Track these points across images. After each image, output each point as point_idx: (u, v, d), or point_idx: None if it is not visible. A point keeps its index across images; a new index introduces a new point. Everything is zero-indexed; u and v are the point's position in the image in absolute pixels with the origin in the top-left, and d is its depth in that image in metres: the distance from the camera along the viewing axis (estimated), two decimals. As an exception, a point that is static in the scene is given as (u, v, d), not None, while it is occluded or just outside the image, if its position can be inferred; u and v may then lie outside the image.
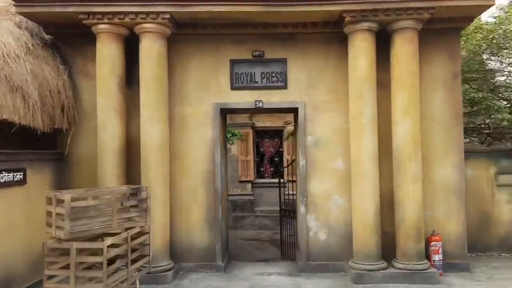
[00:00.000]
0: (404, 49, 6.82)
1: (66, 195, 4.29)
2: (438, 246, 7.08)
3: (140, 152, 6.90)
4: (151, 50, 6.85)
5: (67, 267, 4.33)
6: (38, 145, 6.75)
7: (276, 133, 14.64)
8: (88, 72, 7.41)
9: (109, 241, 4.32)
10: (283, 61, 7.42)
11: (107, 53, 6.83)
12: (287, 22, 7.17)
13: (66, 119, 6.82)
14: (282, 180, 14.20)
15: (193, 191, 7.36)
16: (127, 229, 4.80)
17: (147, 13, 6.67)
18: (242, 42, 7.41)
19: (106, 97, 6.82)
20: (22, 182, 5.99)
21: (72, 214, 4.29)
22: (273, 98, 7.40)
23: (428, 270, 6.73)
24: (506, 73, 9.53)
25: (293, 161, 10.12)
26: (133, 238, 4.82)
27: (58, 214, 4.37)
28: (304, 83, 7.41)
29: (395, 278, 6.66)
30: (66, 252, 4.30)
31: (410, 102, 6.79)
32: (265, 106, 7.37)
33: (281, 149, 14.95)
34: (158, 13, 6.68)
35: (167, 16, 6.69)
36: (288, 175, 10.86)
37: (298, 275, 7.16)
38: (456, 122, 7.37)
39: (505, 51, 9.19)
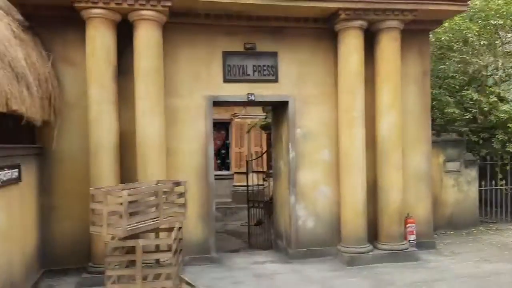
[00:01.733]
0: (389, 47, 7.28)
1: (124, 191, 3.98)
2: (412, 227, 7.77)
3: (136, 147, 6.51)
4: (149, 39, 6.44)
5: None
6: (13, 139, 5.97)
7: (223, 125, 14.61)
8: (69, 59, 6.74)
9: (173, 235, 4.11)
10: (274, 54, 7.46)
11: (102, 41, 6.28)
12: (280, 16, 7.20)
13: (53, 110, 6.15)
14: (229, 172, 14.37)
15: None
16: (170, 224, 4.60)
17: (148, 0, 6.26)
18: (235, 34, 7.29)
19: (101, 88, 6.28)
20: (18, 180, 5.33)
21: (128, 210, 4.00)
22: (264, 92, 7.42)
23: (409, 249, 7.38)
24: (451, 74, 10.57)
25: (263, 153, 10.20)
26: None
27: (110, 212, 4.04)
28: (294, 77, 7.55)
29: (383, 258, 7.20)
30: (125, 251, 4.01)
31: (395, 96, 7.30)
32: (257, 99, 7.37)
33: (227, 141, 14.98)
34: (159, 0, 6.29)
35: (169, 3, 6.33)
36: (257, 166, 10.99)
37: (291, 262, 7.37)
38: (425, 115, 8.08)
39: (452, 54, 10.24)
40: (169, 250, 4.05)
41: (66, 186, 6.69)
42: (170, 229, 4.76)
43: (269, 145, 13.81)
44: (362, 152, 7.23)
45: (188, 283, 4.48)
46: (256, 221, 9.98)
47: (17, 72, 4.71)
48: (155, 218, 4.44)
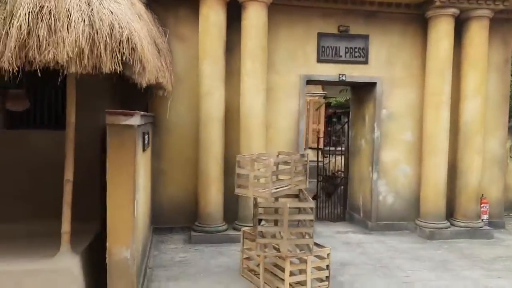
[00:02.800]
0: (479, 35, 7.42)
1: (271, 160, 4.43)
2: (486, 207, 8.05)
3: (240, 121, 6.93)
4: (258, 19, 6.78)
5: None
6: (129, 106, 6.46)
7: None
8: (180, 34, 7.15)
9: (311, 200, 4.57)
10: (366, 37, 7.69)
11: (215, 19, 6.67)
12: (374, 0, 7.41)
13: (170, 82, 6.59)
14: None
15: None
16: (299, 190, 5.05)
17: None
18: (329, 16, 7.55)
19: (214, 65, 6.70)
20: (148, 145, 5.84)
21: (273, 176, 4.45)
22: (354, 72, 7.70)
23: (484, 227, 7.69)
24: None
25: (339, 130, 10.43)
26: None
27: (256, 177, 4.51)
28: (383, 59, 7.78)
29: (459, 234, 7.53)
30: (271, 211, 4.50)
31: (481, 83, 7.48)
32: (347, 79, 7.66)
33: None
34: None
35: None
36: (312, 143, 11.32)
37: (371, 233, 7.78)
38: (504, 102, 8.23)
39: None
40: (311, 212, 4.48)
41: (173, 153, 7.21)
42: (296, 195, 5.20)
43: (327, 122, 14.16)
44: (446, 135, 7.48)
45: (316, 244, 4.93)
46: (313, 195, 10.38)
47: (159, 48, 5.12)
48: (288, 184, 4.88)
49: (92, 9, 3.23)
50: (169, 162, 7.23)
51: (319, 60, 7.56)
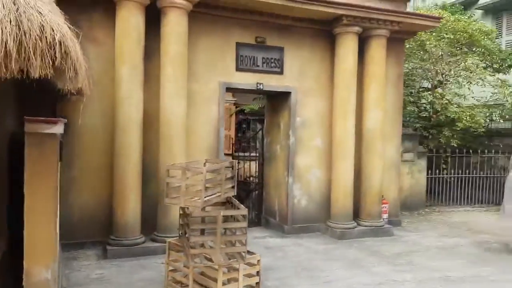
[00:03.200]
0: (378, 52, 8.20)
1: (204, 168, 4.36)
2: (386, 207, 8.87)
3: (160, 127, 6.74)
4: (178, 26, 6.68)
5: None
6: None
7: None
8: (94, 38, 6.73)
9: (244, 208, 4.57)
10: (281, 49, 8.02)
11: (134, 23, 6.41)
12: (288, 15, 7.77)
13: (88, 87, 6.13)
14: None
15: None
16: (227, 198, 5.03)
17: (182, -12, 6.47)
18: (247, 27, 7.73)
19: (133, 69, 6.42)
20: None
21: (205, 185, 4.39)
22: (271, 82, 7.97)
23: (385, 226, 8.45)
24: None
25: (253, 135, 10.66)
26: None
27: (188, 185, 4.40)
28: (297, 71, 8.18)
29: (365, 233, 8.17)
30: (202, 220, 4.40)
31: (380, 94, 8.25)
32: (265, 88, 7.90)
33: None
34: (192, -11, 6.56)
35: (201, -7, 6.62)
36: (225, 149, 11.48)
37: (288, 236, 8.07)
38: (398, 113, 9.17)
39: (413, 60, 11.56)
40: (244, 220, 4.49)
41: (85, 160, 6.72)
42: (223, 203, 5.18)
43: (237, 129, 14.40)
44: (353, 141, 8.09)
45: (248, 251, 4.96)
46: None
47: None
48: (217, 192, 4.84)
49: (18, 8, 2.89)
50: (81, 170, 6.72)
51: (238, 69, 7.68)
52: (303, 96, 8.24)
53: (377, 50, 8.18)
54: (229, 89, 7.81)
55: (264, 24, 7.81)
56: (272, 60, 7.95)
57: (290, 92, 8.12)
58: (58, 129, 3.76)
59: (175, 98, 6.69)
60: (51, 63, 2.94)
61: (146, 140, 6.84)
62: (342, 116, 8.03)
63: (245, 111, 12.78)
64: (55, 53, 2.97)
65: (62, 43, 3.03)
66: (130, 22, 6.37)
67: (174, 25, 6.65)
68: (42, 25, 2.91)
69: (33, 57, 2.85)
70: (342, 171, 8.05)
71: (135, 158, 6.52)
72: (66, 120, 4.26)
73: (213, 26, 7.48)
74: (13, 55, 2.72)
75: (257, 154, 10.05)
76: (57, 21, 3.10)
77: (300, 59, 8.18)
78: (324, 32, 8.23)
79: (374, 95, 8.22)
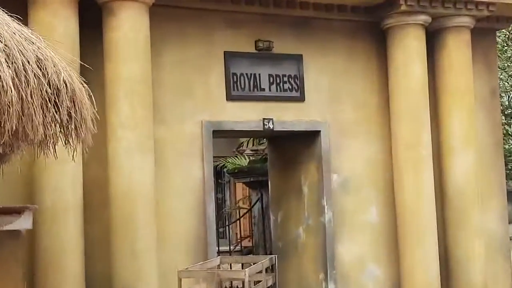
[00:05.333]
0: (460, 53, 9.35)
1: (245, 271, 5.18)
2: (494, 320, 9.79)
3: (111, 206, 7.41)
4: (136, 31, 7.52)
5: None
6: None
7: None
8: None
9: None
10: (298, 58, 9.03)
11: (63, 32, 7.19)
12: (310, 0, 8.82)
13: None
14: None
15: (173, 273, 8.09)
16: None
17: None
18: (241, 25, 8.71)
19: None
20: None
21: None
22: (286, 115, 8.89)
23: None
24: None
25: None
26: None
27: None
28: (326, 93, 9.19)
29: None
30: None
31: (470, 126, 9.34)
32: (277, 127, 8.80)
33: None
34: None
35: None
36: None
37: None
38: (497, 154, 10.31)
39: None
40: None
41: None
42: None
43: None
44: (433, 209, 9.05)
45: None
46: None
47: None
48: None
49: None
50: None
51: (230, 97, 8.57)
52: (340, 136, 9.20)
53: (458, 50, 9.34)
54: (218, 133, 8.63)
55: (268, 19, 8.84)
56: (286, 79, 8.91)
57: (319, 131, 9.07)
58: (23, 223, 4.45)
59: (136, 154, 7.41)
60: None
61: (90, 236, 7.47)
62: (411, 167, 8.99)
63: (226, 170, 13.49)
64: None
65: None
66: (58, 30, 7.13)
67: (129, 29, 7.44)
68: None
69: None
70: (418, 262, 8.90)
71: (73, 268, 7.12)
72: (35, 207, 4.92)
73: (186, 25, 8.38)
74: None
75: (253, 244, 10.84)
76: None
77: (331, 73, 9.22)
78: (367, 26, 9.37)
79: (460, 126, 9.29)
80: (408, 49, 9.09)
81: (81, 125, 4.13)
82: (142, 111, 7.51)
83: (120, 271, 7.31)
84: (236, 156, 14.47)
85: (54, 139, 4.08)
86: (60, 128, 3.99)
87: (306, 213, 9.40)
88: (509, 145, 12.76)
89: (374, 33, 9.44)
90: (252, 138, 13.01)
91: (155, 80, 8.11)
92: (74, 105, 4.02)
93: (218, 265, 6.43)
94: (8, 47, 3.73)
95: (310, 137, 9.22)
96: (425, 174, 9.03)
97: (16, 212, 4.40)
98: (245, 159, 13.67)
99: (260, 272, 5.84)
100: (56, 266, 7.08)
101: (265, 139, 13.32)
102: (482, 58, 10.21)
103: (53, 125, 3.87)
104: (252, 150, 14.90)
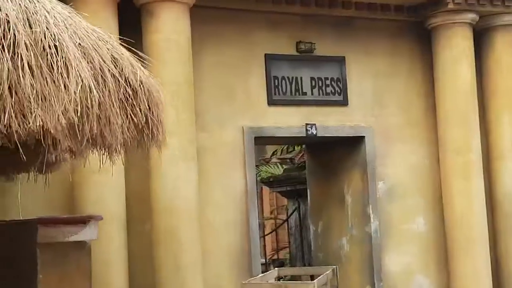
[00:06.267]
0: (508, 54, 9.14)
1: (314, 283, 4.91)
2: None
3: (155, 221, 7.21)
4: (179, 33, 7.35)
5: None
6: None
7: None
8: None
9: None
10: (341, 61, 8.78)
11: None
12: (352, 0, 8.59)
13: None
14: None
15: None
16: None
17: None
18: (282, 28, 8.48)
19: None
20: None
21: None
22: (329, 120, 8.64)
23: None
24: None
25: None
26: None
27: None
28: (370, 97, 8.95)
29: None
30: None
31: (523, 130, 9.09)
32: (320, 133, 8.52)
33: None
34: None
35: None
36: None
37: None
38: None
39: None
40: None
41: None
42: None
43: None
44: (484, 218, 8.78)
45: None
46: None
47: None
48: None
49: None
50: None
51: (271, 102, 8.32)
52: (385, 141, 8.94)
53: (506, 50, 9.13)
54: (260, 139, 8.37)
55: (309, 19, 8.62)
56: (328, 82, 8.66)
57: (363, 137, 8.81)
58: (89, 233, 4.21)
59: (180, 164, 7.15)
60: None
61: (134, 250, 7.22)
62: (460, 173, 8.73)
63: (260, 179, 13.23)
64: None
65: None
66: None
67: (171, 31, 7.25)
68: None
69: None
70: (469, 274, 8.62)
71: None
72: (101, 217, 4.70)
73: (226, 27, 8.15)
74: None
75: (290, 256, 10.56)
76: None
77: (374, 76, 8.98)
78: (411, 25, 9.14)
79: (510, 129, 9.04)
80: (456, 49, 8.85)
81: (157, 128, 3.84)
82: (186, 115, 7.27)
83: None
84: (269, 165, 14.20)
85: (132, 143, 3.79)
86: (137, 132, 3.72)
87: (349, 222, 9.11)
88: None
89: (418, 33, 9.21)
90: (282, 146, 12.70)
91: (195, 83, 7.90)
92: (150, 107, 3.74)
93: (278, 278, 5.98)
94: (83, 46, 3.47)
95: (354, 142, 8.98)
96: (475, 180, 8.78)
97: (82, 222, 4.22)
98: (279, 167, 13.49)
99: (325, 284, 5.54)
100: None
101: (294, 147, 13.20)
102: None
103: (131, 128, 3.61)
104: (279, 159, 14.72)
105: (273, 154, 14.73)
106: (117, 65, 3.68)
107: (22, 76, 3.13)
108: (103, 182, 6.83)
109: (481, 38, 9.23)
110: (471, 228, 8.68)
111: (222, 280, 7.83)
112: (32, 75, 3.16)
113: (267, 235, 12.53)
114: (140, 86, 3.72)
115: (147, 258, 7.24)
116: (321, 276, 5.67)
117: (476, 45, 9.11)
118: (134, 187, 7.34)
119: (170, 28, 7.31)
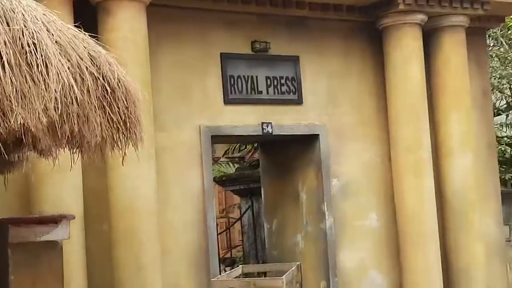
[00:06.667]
0: (456, 54, 9.38)
1: (282, 278, 5.01)
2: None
3: (113, 220, 7.22)
4: (135, 31, 7.34)
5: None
6: None
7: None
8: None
9: None
10: (295, 60, 8.93)
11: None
12: (306, 0, 8.73)
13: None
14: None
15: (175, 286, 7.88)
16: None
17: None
18: (238, 27, 8.58)
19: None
20: None
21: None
22: (284, 119, 8.77)
23: None
24: None
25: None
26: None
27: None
28: (324, 95, 9.13)
29: None
30: None
31: (468, 128, 9.37)
32: (276, 131, 8.65)
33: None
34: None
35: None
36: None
37: None
38: (491, 156, 10.35)
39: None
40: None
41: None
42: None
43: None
44: (434, 213, 9.02)
45: None
46: None
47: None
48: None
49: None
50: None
51: (227, 101, 8.42)
52: (338, 139, 9.12)
53: (454, 50, 9.38)
54: (216, 138, 8.46)
55: (264, 18, 8.74)
56: (283, 81, 8.79)
57: (317, 135, 8.97)
58: (60, 233, 4.24)
59: (140, 162, 7.16)
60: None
61: (92, 250, 7.22)
62: (410, 170, 8.96)
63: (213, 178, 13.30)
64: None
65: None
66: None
67: (127, 29, 7.27)
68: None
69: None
70: (420, 269, 8.86)
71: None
72: (73, 216, 4.71)
73: (183, 27, 8.22)
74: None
75: (243, 253, 10.65)
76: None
77: (328, 75, 9.15)
78: (363, 26, 9.35)
79: (458, 127, 9.31)
80: (406, 50, 9.09)
81: (135, 126, 3.87)
82: (144, 116, 7.26)
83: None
84: (219, 163, 14.28)
85: (111, 141, 3.83)
86: (115, 130, 3.77)
87: (304, 220, 9.27)
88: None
89: (370, 34, 9.43)
90: (235, 145, 12.81)
91: (152, 83, 7.93)
92: (128, 105, 3.79)
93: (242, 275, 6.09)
94: (60, 44, 3.51)
95: (308, 141, 9.13)
96: (425, 177, 9.03)
97: (53, 221, 4.21)
98: (230, 166, 13.57)
99: (291, 280, 5.67)
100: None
101: (246, 146, 13.31)
102: (474, 58, 10.24)
103: (109, 126, 3.66)
104: (228, 158, 14.80)
105: (225, 153, 14.80)
106: (94, 63, 3.74)
107: (2, 74, 3.17)
108: (61, 181, 6.82)
109: (430, 38, 9.46)
110: (422, 224, 8.92)
111: (180, 279, 7.89)
112: (12, 73, 3.21)
113: (220, 233, 12.55)
114: (118, 84, 3.77)
115: (106, 257, 7.24)
116: (288, 272, 5.71)
117: (425, 45, 9.31)
118: (92, 186, 7.34)
119: (127, 26, 7.32)
